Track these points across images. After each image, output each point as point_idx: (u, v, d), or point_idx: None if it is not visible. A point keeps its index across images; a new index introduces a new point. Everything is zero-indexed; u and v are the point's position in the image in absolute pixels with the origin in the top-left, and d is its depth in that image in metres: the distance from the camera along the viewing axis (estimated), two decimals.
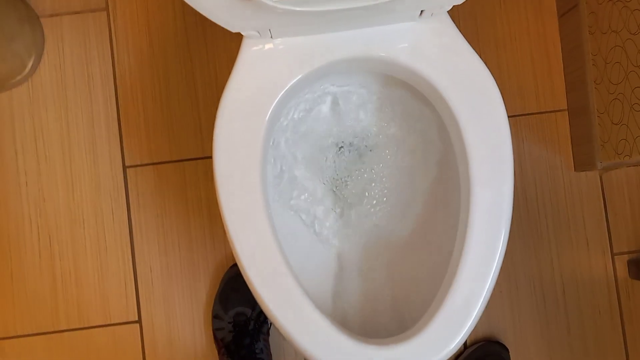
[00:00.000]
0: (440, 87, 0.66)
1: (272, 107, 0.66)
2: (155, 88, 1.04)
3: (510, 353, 1.00)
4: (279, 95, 0.66)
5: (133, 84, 1.04)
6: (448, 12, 0.66)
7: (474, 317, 0.63)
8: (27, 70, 1.01)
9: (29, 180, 1.02)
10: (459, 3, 0.63)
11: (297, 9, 0.56)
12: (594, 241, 1.04)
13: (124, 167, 1.03)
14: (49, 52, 1.04)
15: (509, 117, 1.02)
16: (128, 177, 1.03)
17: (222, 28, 0.62)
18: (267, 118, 0.65)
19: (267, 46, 0.65)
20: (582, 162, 1.02)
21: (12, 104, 1.03)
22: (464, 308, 0.63)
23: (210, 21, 0.60)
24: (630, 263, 1.03)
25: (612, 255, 1.03)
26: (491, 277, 0.64)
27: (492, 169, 0.66)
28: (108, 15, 1.04)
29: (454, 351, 0.63)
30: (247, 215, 0.65)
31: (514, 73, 1.05)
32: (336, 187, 0.83)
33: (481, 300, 0.63)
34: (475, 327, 0.98)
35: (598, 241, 1.04)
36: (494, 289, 1.01)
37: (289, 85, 0.65)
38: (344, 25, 0.65)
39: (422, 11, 0.63)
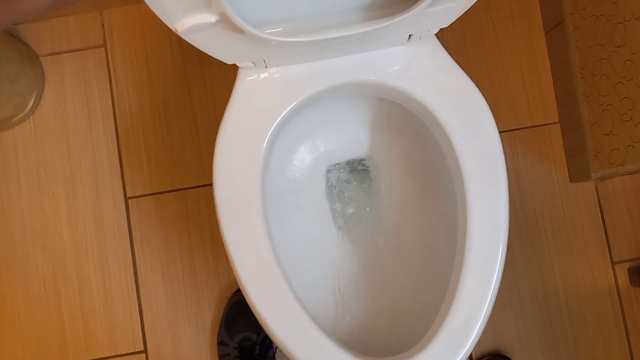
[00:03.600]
0: (432, 107, 0.67)
1: (269, 134, 0.67)
2: (154, 119, 1.06)
3: None
4: (276, 122, 0.67)
5: (133, 116, 1.06)
6: (437, 33, 0.68)
7: (476, 331, 0.64)
8: (28, 108, 1.03)
9: (33, 216, 1.04)
10: (445, 26, 0.65)
11: (290, 39, 0.58)
12: (594, 250, 1.04)
13: (126, 198, 1.04)
14: (50, 90, 1.06)
15: (502, 132, 1.05)
16: (130, 208, 1.04)
17: (219, 60, 0.64)
18: (265, 144, 0.67)
19: (262, 75, 0.67)
20: (577, 173, 1.03)
21: (15, 141, 1.05)
22: (466, 323, 0.64)
23: (207, 54, 0.63)
24: (631, 271, 1.03)
25: (613, 263, 1.04)
26: (492, 291, 0.65)
27: (486, 185, 0.67)
28: (106, 51, 1.07)
29: None
30: (248, 240, 0.66)
31: (506, 89, 1.07)
32: (335, 207, 0.85)
33: (483, 314, 0.64)
34: (481, 341, 0.98)
35: (598, 250, 1.05)
36: (498, 302, 1.01)
37: (285, 112, 0.67)
38: (336, 52, 0.67)
39: (410, 35, 0.65)
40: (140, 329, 1.02)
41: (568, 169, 1.06)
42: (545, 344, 1.02)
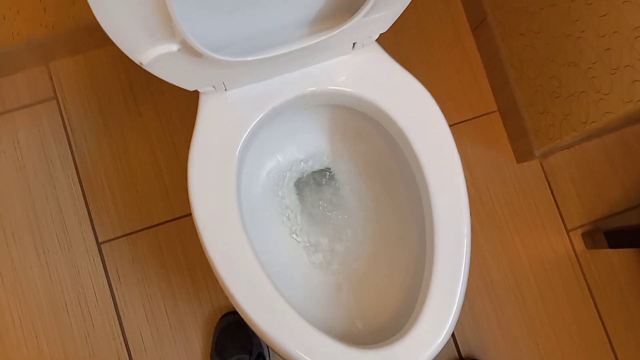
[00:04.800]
0: (385, 107, 0.73)
1: (237, 152, 0.71)
2: (116, 162, 1.07)
3: (499, 346, 1.05)
4: (242, 140, 0.71)
5: (94, 162, 1.07)
6: (378, 42, 0.74)
7: (455, 307, 0.68)
8: None
9: (4, 275, 1.02)
10: (384, 31, 0.71)
11: (243, 59, 0.63)
12: (549, 223, 1.12)
13: (98, 244, 1.05)
14: (5, 149, 1.06)
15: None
16: (104, 253, 1.04)
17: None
18: (235, 163, 0.70)
19: (223, 97, 0.71)
20: (522, 154, 1.11)
21: None
22: (445, 302, 0.68)
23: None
24: (584, 235, 1.12)
25: (567, 231, 1.12)
26: (463, 271, 0.69)
27: (444, 172, 0.73)
28: (58, 102, 1.08)
29: (444, 342, 0.67)
30: (233, 254, 0.69)
31: (444, 86, 1.15)
32: (308, 220, 0.89)
33: (459, 293, 0.68)
34: (461, 322, 1.03)
35: (552, 222, 1.12)
36: (471, 285, 1.07)
37: (249, 129, 0.71)
38: (289, 67, 0.71)
39: (354, 44, 0.71)
40: None
41: (513, 152, 1.14)
42: (520, 316, 1.08)
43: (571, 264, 1.11)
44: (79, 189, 1.06)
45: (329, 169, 0.90)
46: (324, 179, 0.90)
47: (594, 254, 1.11)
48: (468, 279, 0.72)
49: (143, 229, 1.06)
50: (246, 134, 0.71)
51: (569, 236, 1.12)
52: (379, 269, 0.86)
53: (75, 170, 1.07)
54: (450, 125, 1.11)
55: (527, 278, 1.10)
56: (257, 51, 0.64)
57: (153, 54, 0.56)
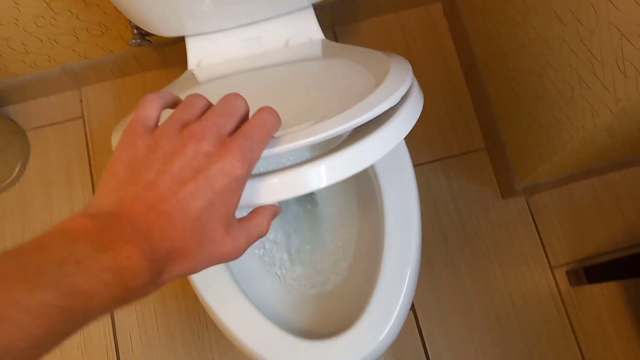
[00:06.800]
0: None
1: None
2: None
3: None
4: None
5: None
6: None
7: (399, 307, 0.72)
8: (14, 175, 1.17)
9: None
10: None
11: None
12: (533, 258, 1.14)
13: None
14: (35, 158, 1.20)
15: (436, 160, 1.18)
16: None
17: None
18: None
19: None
20: (506, 190, 1.15)
21: (2, 205, 1.17)
22: (389, 301, 0.72)
23: None
24: (568, 273, 1.12)
25: (551, 268, 1.13)
26: (408, 276, 0.74)
27: (397, 182, 0.79)
28: (84, 121, 1.22)
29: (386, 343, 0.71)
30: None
31: (435, 122, 1.22)
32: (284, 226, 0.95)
33: (401, 297, 0.73)
34: (439, 353, 1.05)
35: (536, 258, 1.14)
36: (453, 320, 1.09)
37: None
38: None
39: None
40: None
41: (499, 188, 1.18)
42: (498, 350, 1.09)
43: (553, 300, 1.11)
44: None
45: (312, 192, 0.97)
46: (307, 198, 0.97)
47: (577, 291, 1.11)
48: (413, 296, 0.75)
49: None
50: None
51: (552, 273, 1.13)
52: (352, 281, 0.91)
53: (91, 182, 1.19)
54: (438, 160, 1.19)
55: (507, 312, 1.11)
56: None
57: None
